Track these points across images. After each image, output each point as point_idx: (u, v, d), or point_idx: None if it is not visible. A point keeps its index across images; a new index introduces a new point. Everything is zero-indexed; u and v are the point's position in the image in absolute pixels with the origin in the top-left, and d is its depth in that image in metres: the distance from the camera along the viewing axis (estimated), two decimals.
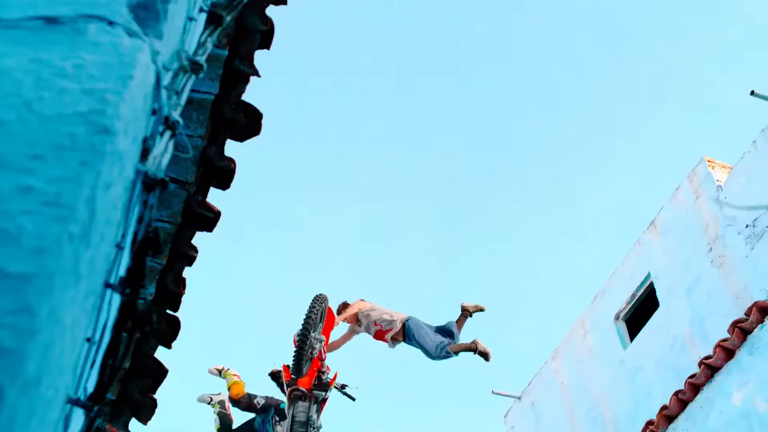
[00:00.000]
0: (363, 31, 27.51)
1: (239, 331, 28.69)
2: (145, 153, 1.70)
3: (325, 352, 8.41)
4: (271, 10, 3.06)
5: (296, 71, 26.11)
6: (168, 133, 1.83)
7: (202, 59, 2.04)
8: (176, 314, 3.49)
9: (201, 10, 2.25)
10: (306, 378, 8.25)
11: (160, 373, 3.39)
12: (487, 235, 28.86)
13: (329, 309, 8.57)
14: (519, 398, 11.79)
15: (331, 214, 28.29)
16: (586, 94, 27.62)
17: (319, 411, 8.19)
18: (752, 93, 8.84)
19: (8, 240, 1.24)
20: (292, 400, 8.12)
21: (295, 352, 7.88)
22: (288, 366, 8.36)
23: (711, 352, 8.12)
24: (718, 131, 25.88)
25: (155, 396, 3.45)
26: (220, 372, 9.80)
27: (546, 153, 28.14)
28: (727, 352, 7.88)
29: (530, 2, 26.60)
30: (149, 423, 3.48)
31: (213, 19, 2.34)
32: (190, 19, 2.08)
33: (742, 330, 7.76)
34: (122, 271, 1.83)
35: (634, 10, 25.99)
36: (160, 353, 3.45)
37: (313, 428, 7.93)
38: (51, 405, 1.35)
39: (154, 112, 1.75)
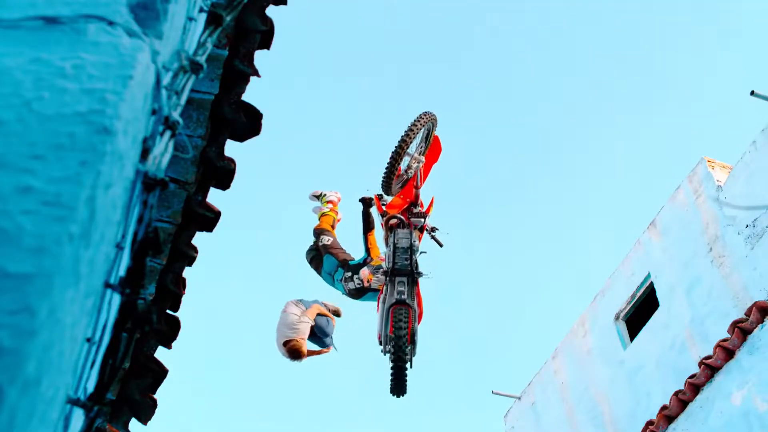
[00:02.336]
0: (363, 31, 27.52)
1: (239, 331, 28.70)
2: (145, 153, 1.70)
3: (423, 179, 7.59)
4: (271, 10, 3.06)
5: (296, 71, 26.11)
6: (168, 133, 1.83)
7: (202, 59, 2.04)
8: (176, 314, 3.49)
9: (201, 10, 2.25)
10: (398, 201, 7.58)
11: (160, 373, 3.39)
12: (487, 234, 28.87)
13: (437, 138, 7.65)
14: (519, 398, 11.79)
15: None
16: (586, 94, 27.63)
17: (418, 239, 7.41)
18: (752, 93, 8.85)
19: (8, 240, 1.24)
20: (390, 228, 7.41)
21: (386, 166, 7.18)
22: (380, 196, 7.76)
23: (711, 352, 8.12)
24: (718, 131, 25.90)
25: (155, 396, 3.45)
26: (318, 197, 8.86)
27: (546, 153, 28.15)
28: (727, 352, 7.88)
29: (531, 1, 26.61)
30: (149, 423, 3.48)
31: (213, 19, 2.34)
32: (190, 19, 2.08)
33: (742, 330, 7.76)
34: (122, 271, 1.83)
35: (635, 9, 25.99)
36: (160, 353, 3.46)
37: (417, 253, 7.25)
38: (51, 405, 1.35)
39: (154, 112, 1.75)
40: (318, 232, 8.42)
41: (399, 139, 7.09)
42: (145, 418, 3.44)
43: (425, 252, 7.37)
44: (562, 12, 25.93)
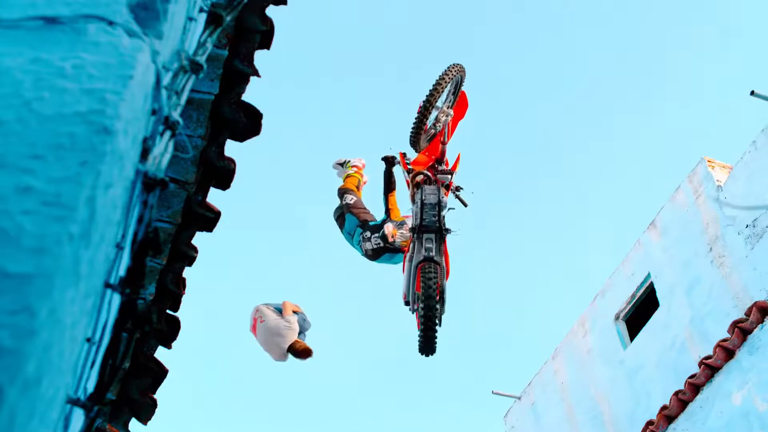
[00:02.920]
0: (363, 30, 27.52)
1: (239, 331, 28.68)
2: (145, 153, 1.70)
3: (450, 133, 7.28)
4: (271, 10, 3.06)
5: (296, 71, 26.12)
6: (168, 133, 1.83)
7: (202, 59, 2.04)
8: (176, 314, 3.49)
9: (201, 10, 2.25)
10: (423, 158, 7.32)
11: (160, 373, 3.39)
12: (487, 234, 28.86)
13: (464, 93, 7.35)
14: (519, 398, 11.79)
15: (331, 213, 28.26)
16: (586, 94, 27.63)
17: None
18: (752, 93, 8.85)
19: (8, 240, 1.24)
20: (417, 185, 7.13)
21: (415, 119, 6.88)
22: (404, 154, 7.55)
23: (711, 352, 8.12)
24: (718, 131, 25.90)
25: (155, 396, 3.45)
26: (342, 164, 8.60)
27: (546, 152, 28.15)
28: (727, 352, 7.88)
29: (531, 1, 26.61)
30: (149, 423, 3.48)
31: (213, 19, 2.34)
32: (190, 19, 2.08)
33: (742, 330, 7.76)
34: (122, 271, 1.83)
35: (635, 9, 26.00)
36: (160, 353, 3.46)
37: (445, 210, 6.94)
38: (51, 405, 1.35)
39: (154, 112, 1.75)
40: (342, 192, 8.23)
41: (427, 94, 6.82)
42: (145, 418, 3.45)
43: (453, 208, 7.16)
44: (562, 11, 25.94)
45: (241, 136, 3.20)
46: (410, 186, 7.31)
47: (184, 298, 3.45)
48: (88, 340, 1.66)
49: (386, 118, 27.31)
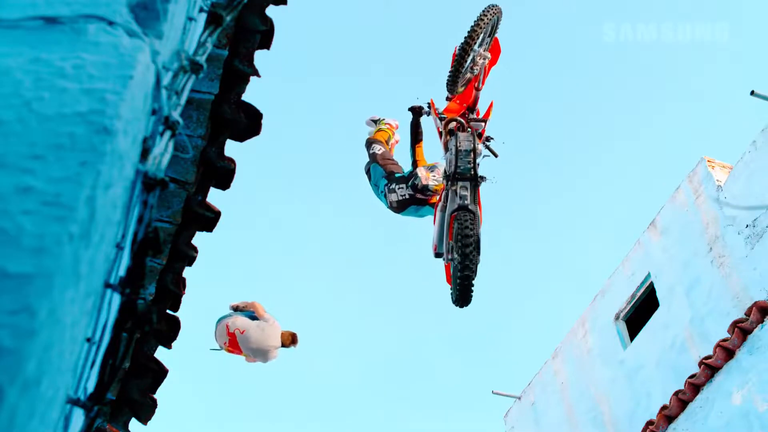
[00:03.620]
0: (363, 30, 27.52)
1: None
2: (145, 153, 1.70)
3: (484, 79, 7.02)
4: (271, 10, 3.06)
5: (296, 71, 26.11)
6: (168, 133, 1.83)
7: (202, 59, 2.04)
8: (176, 314, 3.49)
9: (201, 10, 2.25)
10: (454, 105, 7.05)
11: (160, 373, 3.39)
12: (487, 234, 28.84)
13: (496, 39, 7.08)
14: (519, 398, 11.79)
15: (331, 213, 28.30)
16: (586, 94, 27.63)
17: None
18: (752, 93, 8.86)
19: (8, 240, 1.24)
20: (450, 132, 6.84)
21: (453, 63, 6.64)
22: (431, 104, 7.28)
23: (711, 352, 8.12)
24: (718, 131, 25.89)
25: (155, 396, 3.45)
26: (376, 121, 8.36)
27: (545, 152, 28.15)
28: (727, 352, 7.89)
29: (531, 1, 26.60)
30: (149, 423, 3.48)
31: (213, 19, 2.34)
32: (190, 19, 2.08)
33: (742, 330, 7.77)
34: (122, 271, 1.83)
35: (635, 9, 25.99)
36: (160, 353, 3.46)
37: (480, 157, 6.73)
38: (51, 405, 1.35)
39: (154, 112, 1.75)
40: (369, 142, 8.02)
41: (464, 38, 6.57)
42: (145, 418, 3.45)
43: (488, 156, 6.91)
44: (562, 11, 25.93)
45: (241, 136, 3.20)
46: (442, 134, 7.05)
47: (184, 298, 3.45)
48: (88, 340, 1.66)
49: (386, 116, 27.25)
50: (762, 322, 7.71)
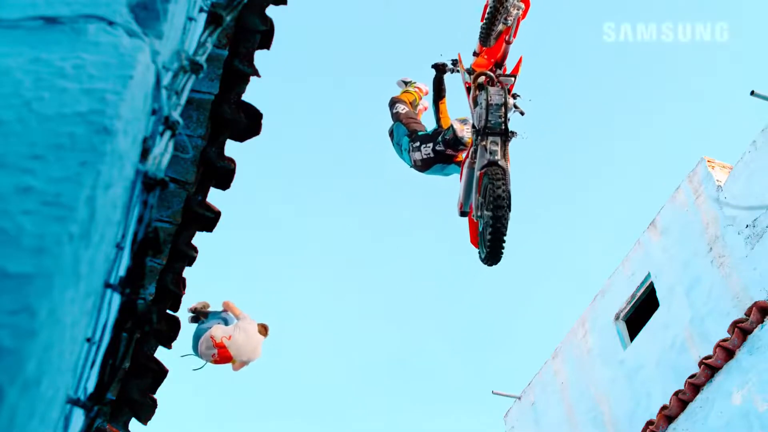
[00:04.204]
0: (363, 30, 27.52)
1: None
2: (145, 153, 1.70)
3: (515, 31, 6.78)
4: (271, 10, 3.07)
5: (296, 71, 26.11)
6: (168, 133, 1.83)
7: (202, 59, 2.04)
8: (176, 314, 3.49)
9: (201, 10, 2.25)
10: (482, 60, 6.79)
11: (160, 373, 3.39)
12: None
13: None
14: (519, 398, 11.79)
15: (331, 213, 28.30)
16: (586, 94, 27.63)
17: None
18: (752, 93, 8.85)
19: (8, 240, 1.24)
20: (479, 86, 6.61)
21: (486, 14, 6.40)
22: (457, 61, 7.05)
23: (711, 352, 8.12)
24: (718, 131, 25.89)
25: (155, 396, 3.45)
26: (407, 83, 8.10)
27: (545, 152, 28.15)
28: (727, 352, 7.89)
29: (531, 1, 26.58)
30: (149, 423, 3.48)
31: (213, 19, 2.34)
32: (190, 19, 2.08)
33: (742, 330, 7.77)
34: (122, 271, 1.83)
35: (635, 9, 25.99)
36: (160, 353, 3.46)
37: (511, 112, 6.46)
38: (51, 405, 1.35)
39: (154, 112, 1.75)
40: (393, 102, 7.79)
41: None
42: (145, 418, 3.45)
43: (518, 110, 6.66)
44: (562, 11, 25.93)
45: (241, 136, 3.20)
46: (470, 89, 6.81)
47: (184, 298, 3.45)
48: (88, 340, 1.66)
49: (386, 116, 27.26)
50: (762, 322, 7.71)
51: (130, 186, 1.64)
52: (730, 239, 8.82)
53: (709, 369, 8.03)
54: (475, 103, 6.67)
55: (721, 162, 9.58)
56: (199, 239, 3.31)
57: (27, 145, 1.37)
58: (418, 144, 7.23)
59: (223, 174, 3.19)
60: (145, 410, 3.43)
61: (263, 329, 8.13)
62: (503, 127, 6.35)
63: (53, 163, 1.35)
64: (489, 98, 6.42)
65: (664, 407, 8.44)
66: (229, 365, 8.04)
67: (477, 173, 6.39)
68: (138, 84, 1.56)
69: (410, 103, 7.83)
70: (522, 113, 6.75)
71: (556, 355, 11.34)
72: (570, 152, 28.44)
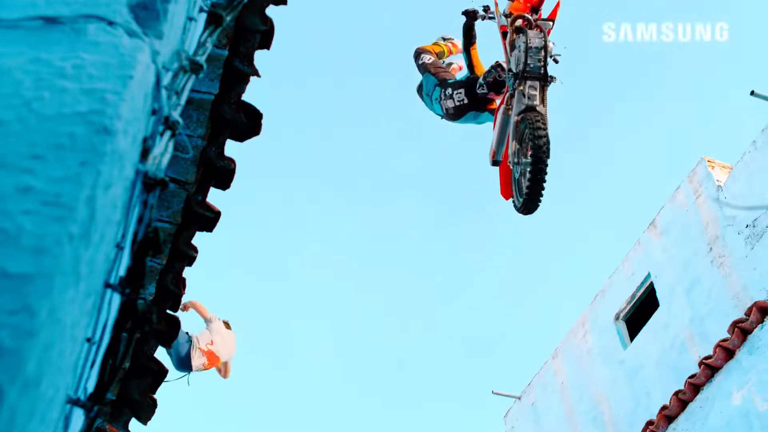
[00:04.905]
0: (363, 30, 27.52)
1: (239, 331, 28.63)
2: (145, 153, 1.70)
3: None
4: (271, 10, 3.07)
5: (296, 71, 26.11)
6: (168, 133, 1.83)
7: (202, 59, 2.04)
8: (176, 314, 3.49)
9: (201, 10, 2.25)
10: (518, 4, 6.56)
11: (160, 373, 3.39)
12: (487, 234, 28.87)
13: None
14: (519, 398, 11.79)
15: (331, 213, 28.31)
16: (586, 94, 27.63)
17: None
18: (752, 93, 8.85)
19: (8, 240, 1.24)
20: (517, 30, 6.36)
21: None
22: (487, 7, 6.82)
23: (711, 352, 8.12)
24: (718, 131, 25.89)
25: (155, 396, 3.45)
26: (444, 39, 7.82)
27: None
28: (727, 352, 7.89)
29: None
30: (149, 423, 3.48)
31: (213, 19, 2.34)
32: (190, 19, 2.08)
33: (742, 330, 7.77)
34: (122, 271, 1.83)
35: (635, 9, 25.99)
36: (160, 353, 3.46)
37: (551, 55, 6.22)
38: (51, 405, 1.35)
39: (154, 112, 1.75)
40: (418, 53, 7.52)
41: None
42: (145, 418, 3.45)
43: (560, 55, 6.39)
44: (562, 11, 25.91)
45: (241, 136, 3.20)
46: (507, 33, 6.57)
47: (184, 298, 3.45)
48: (88, 340, 1.66)
49: (386, 117, 27.31)
50: (762, 322, 7.71)
51: (130, 186, 1.64)
52: (730, 239, 8.83)
53: (709, 369, 8.03)
54: (512, 46, 6.46)
55: (721, 162, 9.58)
56: (199, 239, 3.31)
57: (27, 145, 1.37)
58: (450, 91, 7.00)
59: (223, 174, 3.19)
60: (145, 410, 3.42)
61: (227, 325, 8.19)
62: (543, 71, 6.12)
63: (53, 163, 1.35)
64: (528, 41, 6.18)
65: (664, 407, 8.44)
66: (213, 369, 8.10)
67: (514, 119, 6.20)
68: (138, 84, 1.56)
69: (436, 54, 7.57)
70: (556, 61, 6.48)
71: (556, 355, 11.34)
72: (570, 152, 28.44)
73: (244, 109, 3.11)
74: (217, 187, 3.23)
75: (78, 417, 1.91)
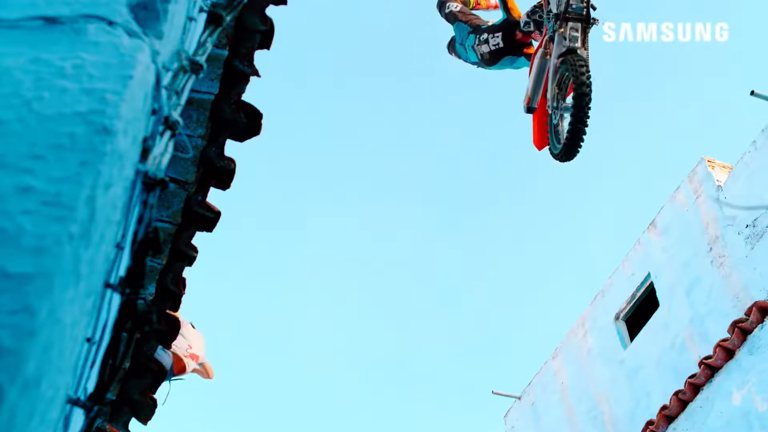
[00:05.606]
0: (363, 30, 27.52)
1: (239, 331, 28.69)
2: (145, 153, 1.70)
3: None
4: (271, 10, 3.07)
5: (296, 71, 26.11)
6: (168, 133, 1.83)
7: (202, 59, 2.04)
8: (176, 314, 3.49)
9: (201, 10, 2.25)
10: None
11: (160, 373, 3.39)
12: (487, 234, 28.87)
13: None
14: (519, 398, 11.79)
15: (331, 213, 28.31)
16: None
17: None
18: (752, 93, 8.85)
19: (8, 240, 1.24)
20: None
21: None
22: None
23: (711, 352, 8.12)
24: (718, 131, 25.89)
25: (155, 396, 3.45)
26: None
27: (545, 152, 28.10)
28: (727, 352, 7.89)
29: (531, 1, 26.57)
30: (149, 423, 3.48)
31: (213, 19, 2.34)
32: (190, 19, 2.08)
33: (742, 330, 7.77)
34: (122, 271, 1.83)
35: (635, 9, 25.98)
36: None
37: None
38: (51, 405, 1.35)
39: (154, 112, 1.75)
40: (441, 2, 7.25)
41: None
42: (145, 418, 3.45)
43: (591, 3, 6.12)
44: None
45: (241, 136, 3.20)
46: None
47: (184, 298, 3.45)
48: (88, 340, 1.66)
49: (386, 117, 27.30)
50: (762, 322, 7.71)
51: (130, 186, 1.64)
52: (730, 239, 8.83)
53: (709, 369, 8.03)
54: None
55: (721, 162, 9.58)
56: (199, 239, 3.31)
57: (27, 145, 1.37)
58: (485, 36, 6.80)
59: (223, 174, 3.19)
60: (145, 410, 3.43)
61: (193, 327, 8.24)
62: (585, 12, 5.94)
63: (53, 163, 1.35)
64: None
65: (664, 407, 8.44)
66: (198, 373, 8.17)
67: (554, 62, 6.03)
68: (138, 84, 1.56)
69: (462, 1, 7.35)
70: (594, 8, 6.24)
71: (556, 355, 11.33)
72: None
73: (244, 109, 3.11)
74: (217, 187, 3.23)
75: (78, 417, 1.91)
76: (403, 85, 27.71)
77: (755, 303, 7.76)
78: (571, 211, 28.39)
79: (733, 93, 26.08)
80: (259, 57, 3.10)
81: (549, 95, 6.16)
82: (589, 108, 5.69)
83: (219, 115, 3.03)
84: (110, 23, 1.61)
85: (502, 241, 28.61)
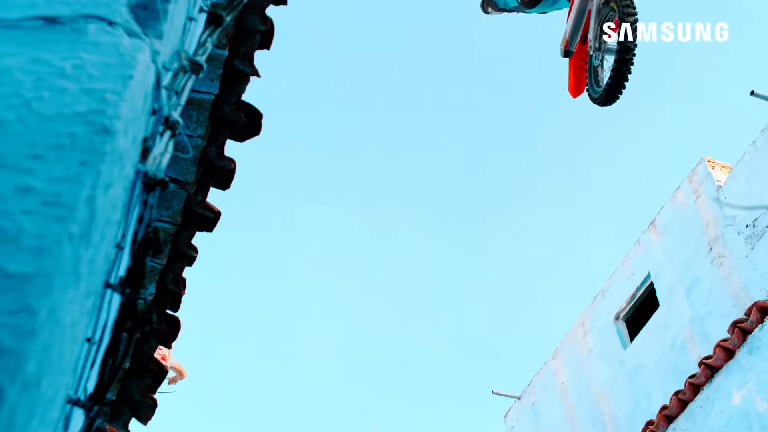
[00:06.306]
0: (363, 30, 27.51)
1: (239, 330, 28.69)
2: (145, 153, 1.70)
3: None
4: (271, 10, 3.07)
5: (296, 71, 26.10)
6: (168, 133, 1.83)
7: (202, 59, 2.04)
8: (176, 314, 3.49)
9: (201, 10, 2.25)
10: None
11: (160, 373, 3.39)
12: (488, 234, 28.86)
13: None
14: (519, 398, 11.79)
15: (331, 213, 28.30)
16: (585, 94, 27.60)
17: None
18: (752, 93, 8.85)
19: (8, 240, 1.24)
20: None
21: None
22: None
23: (711, 352, 8.12)
24: (718, 131, 25.90)
25: (155, 396, 3.45)
26: None
27: (546, 152, 28.14)
28: (727, 352, 7.89)
29: None
30: (149, 423, 3.48)
31: (213, 19, 2.34)
32: (190, 19, 2.08)
33: (742, 330, 7.77)
34: (122, 271, 1.83)
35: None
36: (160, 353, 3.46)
37: None
38: (51, 405, 1.34)
39: (154, 112, 1.75)
40: None
41: None
42: (145, 418, 3.45)
43: None
44: (561, 11, 25.91)
45: (241, 136, 3.20)
46: None
47: (184, 298, 3.45)
48: (88, 340, 1.66)
49: (386, 117, 27.28)
50: (762, 322, 7.71)
51: (130, 186, 1.64)
52: (730, 239, 8.82)
53: (709, 369, 8.03)
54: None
55: (721, 162, 9.58)
56: (199, 239, 3.31)
57: (27, 145, 1.37)
58: None
59: (223, 174, 3.19)
60: (145, 410, 3.43)
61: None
62: None
63: (53, 163, 1.35)
64: None
65: (664, 407, 8.44)
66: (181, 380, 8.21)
67: (597, 2, 5.86)
68: (138, 84, 1.56)
69: None
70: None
71: (556, 355, 11.33)
72: (570, 152, 28.43)
73: (244, 109, 3.11)
74: (217, 187, 3.23)
75: (78, 417, 1.91)
76: (404, 86, 27.71)
77: (755, 303, 7.76)
78: (571, 211, 28.39)
79: (733, 93, 26.09)
80: (259, 57, 3.10)
81: (591, 35, 5.96)
82: (636, 46, 5.50)
83: (219, 115, 3.03)
84: (110, 23, 1.61)
85: (503, 241, 28.60)
